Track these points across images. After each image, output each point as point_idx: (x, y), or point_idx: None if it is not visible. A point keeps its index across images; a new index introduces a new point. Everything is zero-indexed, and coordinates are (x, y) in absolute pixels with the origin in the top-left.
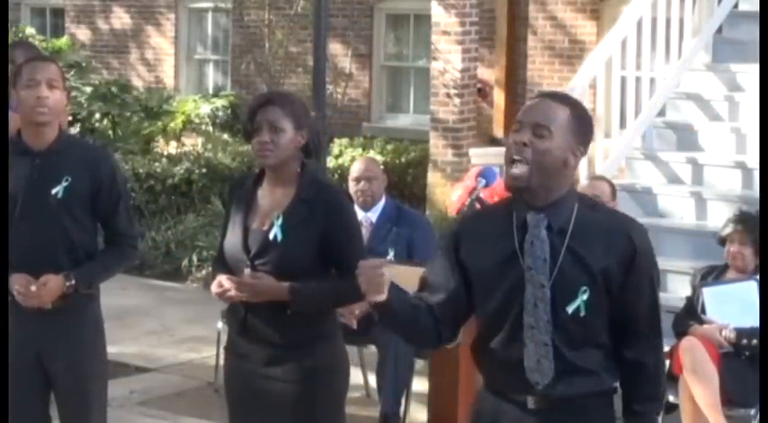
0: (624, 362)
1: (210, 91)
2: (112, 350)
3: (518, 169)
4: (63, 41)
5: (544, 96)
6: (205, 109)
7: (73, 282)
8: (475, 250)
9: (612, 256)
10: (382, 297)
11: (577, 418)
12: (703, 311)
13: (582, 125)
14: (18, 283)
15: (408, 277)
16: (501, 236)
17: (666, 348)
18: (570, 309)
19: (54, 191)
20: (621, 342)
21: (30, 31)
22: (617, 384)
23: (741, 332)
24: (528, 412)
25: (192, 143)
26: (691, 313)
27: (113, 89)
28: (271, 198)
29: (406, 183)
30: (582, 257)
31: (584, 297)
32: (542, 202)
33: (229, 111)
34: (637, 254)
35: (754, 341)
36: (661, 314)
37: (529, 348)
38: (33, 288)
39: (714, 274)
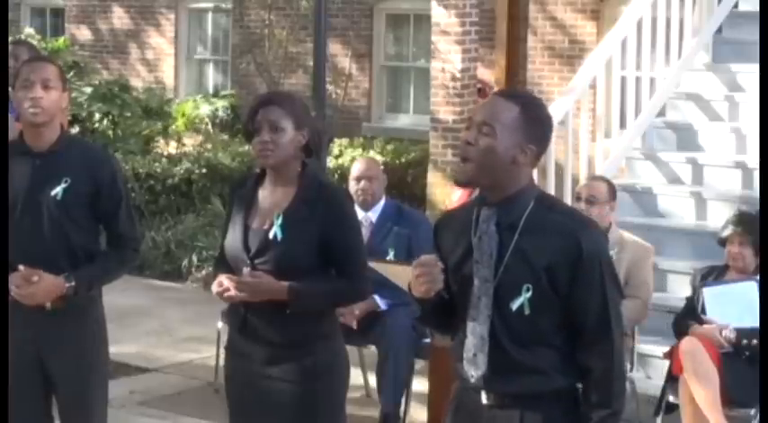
0: (578, 365)
1: (210, 91)
2: (112, 350)
3: (461, 166)
4: (61, 41)
5: (497, 94)
6: (205, 109)
7: (73, 284)
8: (447, 245)
9: (558, 256)
10: (432, 293)
11: (532, 417)
12: (703, 312)
13: (533, 123)
14: (15, 283)
15: (408, 277)
16: (464, 231)
17: (666, 348)
18: (514, 306)
19: (54, 192)
20: (575, 345)
21: (28, 30)
22: (578, 385)
23: (741, 332)
24: (482, 407)
25: (192, 143)
26: (691, 313)
27: (113, 89)
28: (271, 198)
29: (406, 183)
30: (528, 255)
31: (528, 295)
32: (495, 198)
33: (229, 111)
34: (583, 257)
35: (755, 341)
36: (618, 322)
37: (469, 340)
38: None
39: (714, 275)
